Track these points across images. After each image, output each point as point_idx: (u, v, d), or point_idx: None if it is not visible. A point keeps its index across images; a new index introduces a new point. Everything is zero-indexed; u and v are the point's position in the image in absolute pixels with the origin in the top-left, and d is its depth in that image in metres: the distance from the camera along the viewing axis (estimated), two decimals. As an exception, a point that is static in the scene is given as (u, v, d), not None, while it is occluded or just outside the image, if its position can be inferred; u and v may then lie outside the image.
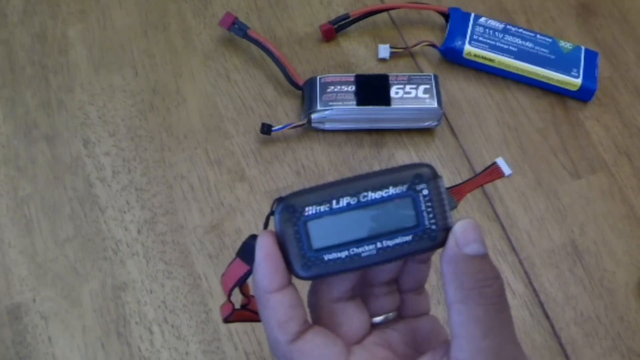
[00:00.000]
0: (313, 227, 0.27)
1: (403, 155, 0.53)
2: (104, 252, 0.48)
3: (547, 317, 0.47)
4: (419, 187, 0.27)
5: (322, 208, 0.27)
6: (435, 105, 0.51)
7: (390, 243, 0.27)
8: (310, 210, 0.27)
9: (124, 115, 0.54)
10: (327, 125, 0.52)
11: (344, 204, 0.27)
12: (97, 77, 0.55)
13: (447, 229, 0.27)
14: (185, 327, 0.46)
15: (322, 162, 0.52)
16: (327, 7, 0.59)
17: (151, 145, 0.53)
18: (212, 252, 0.49)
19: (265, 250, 0.27)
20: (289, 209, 0.27)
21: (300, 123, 0.52)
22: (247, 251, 0.28)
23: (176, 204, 0.50)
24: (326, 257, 0.27)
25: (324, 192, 0.27)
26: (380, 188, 0.27)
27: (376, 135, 0.53)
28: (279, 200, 0.28)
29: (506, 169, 0.29)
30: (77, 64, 0.56)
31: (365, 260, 0.27)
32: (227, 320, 0.31)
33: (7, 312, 0.46)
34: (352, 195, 0.27)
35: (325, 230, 0.27)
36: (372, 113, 0.52)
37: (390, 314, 0.32)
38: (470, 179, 0.29)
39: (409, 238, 0.27)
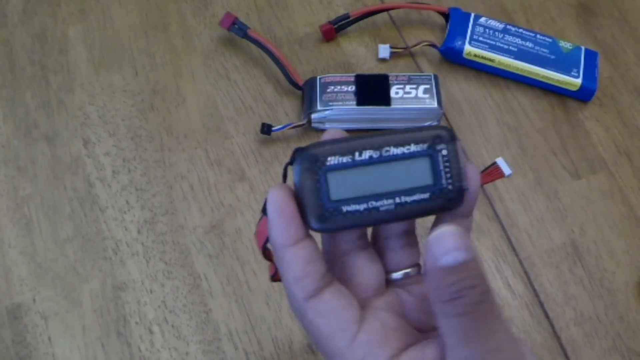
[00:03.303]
0: (334, 177, 0.27)
1: (403, 155, 0.53)
2: (104, 252, 0.48)
3: (547, 317, 0.47)
4: (438, 147, 0.27)
5: (345, 159, 0.27)
6: (435, 105, 0.51)
7: (408, 199, 0.27)
8: (332, 160, 0.27)
9: (124, 115, 0.54)
10: (327, 125, 0.52)
11: (366, 157, 0.27)
12: (97, 77, 0.55)
13: (462, 190, 0.27)
14: (185, 327, 0.46)
15: (322, 162, 0.52)
16: (327, 7, 0.59)
17: (151, 145, 0.53)
18: (212, 252, 0.49)
19: (278, 204, 0.26)
20: (311, 158, 0.27)
21: (300, 123, 0.52)
22: None
23: (176, 204, 0.50)
24: (344, 208, 0.27)
25: (347, 143, 0.27)
26: (403, 144, 0.27)
27: (376, 135, 0.53)
28: (300, 150, 0.27)
29: (506, 169, 0.29)
30: (77, 64, 0.56)
31: (382, 215, 0.27)
32: (273, 279, 0.30)
33: (7, 312, 0.46)
34: (375, 149, 0.27)
35: (345, 182, 0.27)
36: (372, 113, 0.52)
37: (410, 269, 0.30)
38: None
39: (426, 196, 0.27)
